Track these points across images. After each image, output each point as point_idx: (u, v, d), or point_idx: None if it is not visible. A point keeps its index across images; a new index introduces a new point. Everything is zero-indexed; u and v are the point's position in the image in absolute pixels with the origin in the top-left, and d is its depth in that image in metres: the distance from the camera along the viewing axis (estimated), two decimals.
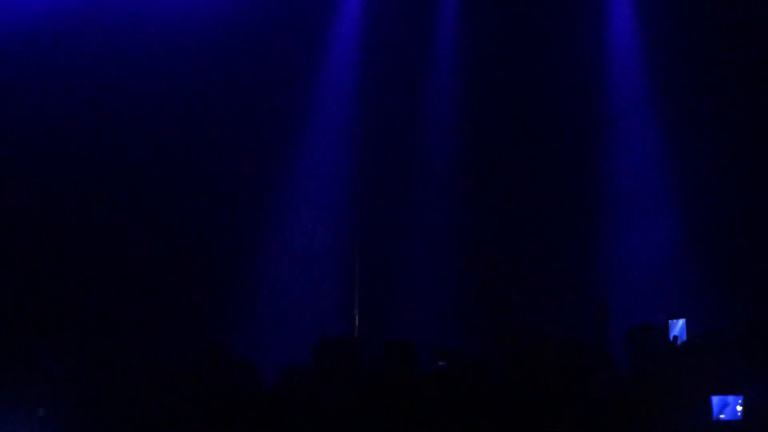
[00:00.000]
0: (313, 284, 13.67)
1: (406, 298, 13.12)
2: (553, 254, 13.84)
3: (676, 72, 13.93)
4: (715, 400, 5.81)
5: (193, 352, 8.17)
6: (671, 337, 9.02)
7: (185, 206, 13.90)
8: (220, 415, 6.43)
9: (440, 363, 9.79)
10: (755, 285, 12.89)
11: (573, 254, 13.78)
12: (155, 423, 6.66)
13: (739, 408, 5.82)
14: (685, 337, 9.16)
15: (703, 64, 13.79)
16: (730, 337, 7.73)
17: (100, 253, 13.47)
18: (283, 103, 14.26)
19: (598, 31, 14.30)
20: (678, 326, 8.49)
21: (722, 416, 5.83)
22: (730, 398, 5.80)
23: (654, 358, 7.37)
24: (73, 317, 12.66)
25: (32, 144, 13.37)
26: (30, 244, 13.31)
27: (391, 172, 14.03)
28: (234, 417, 6.29)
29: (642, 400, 5.81)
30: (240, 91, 14.11)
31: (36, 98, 13.47)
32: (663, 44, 14.04)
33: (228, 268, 13.92)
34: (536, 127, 14.23)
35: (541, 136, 14.19)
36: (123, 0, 13.77)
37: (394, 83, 14.34)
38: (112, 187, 13.69)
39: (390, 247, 13.80)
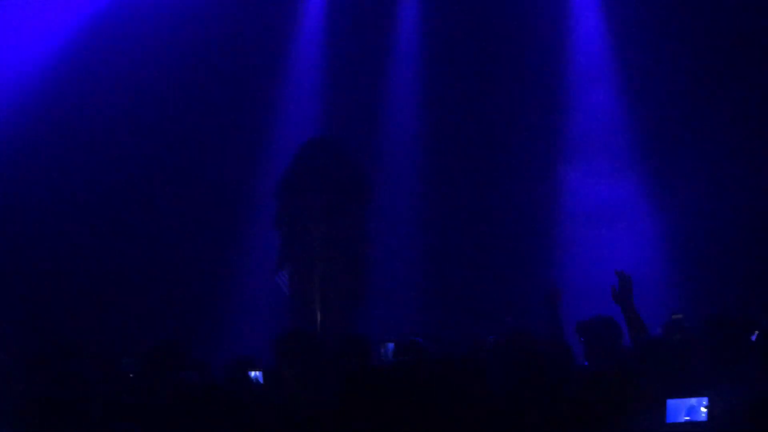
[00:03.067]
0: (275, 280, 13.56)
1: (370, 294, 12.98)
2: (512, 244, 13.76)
3: (652, 74, 13.81)
4: (673, 403, 5.64)
5: (146, 350, 8.06)
6: None
7: (150, 205, 13.87)
8: (168, 414, 6.30)
9: (402, 358, 9.65)
10: (723, 278, 12.81)
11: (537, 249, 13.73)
12: (104, 421, 6.52)
13: (703, 410, 5.68)
14: None
15: (676, 63, 13.68)
16: (694, 334, 7.57)
17: (55, 250, 13.41)
18: (247, 105, 14.22)
19: (563, 30, 14.21)
20: None
21: (687, 418, 5.69)
22: (694, 400, 5.65)
23: (607, 353, 7.21)
24: (24, 311, 12.58)
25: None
26: None
27: None
28: (183, 415, 6.15)
29: (594, 398, 5.65)
30: (204, 94, 14.06)
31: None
32: (632, 44, 13.92)
33: (191, 265, 13.87)
34: (502, 126, 14.14)
35: (507, 137, 14.11)
36: None
37: (357, 83, 14.29)
38: (76, 187, 13.66)
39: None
